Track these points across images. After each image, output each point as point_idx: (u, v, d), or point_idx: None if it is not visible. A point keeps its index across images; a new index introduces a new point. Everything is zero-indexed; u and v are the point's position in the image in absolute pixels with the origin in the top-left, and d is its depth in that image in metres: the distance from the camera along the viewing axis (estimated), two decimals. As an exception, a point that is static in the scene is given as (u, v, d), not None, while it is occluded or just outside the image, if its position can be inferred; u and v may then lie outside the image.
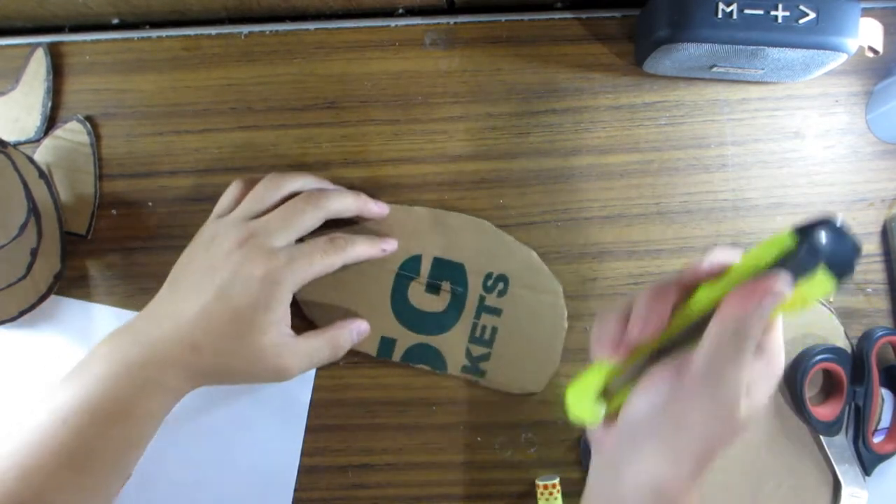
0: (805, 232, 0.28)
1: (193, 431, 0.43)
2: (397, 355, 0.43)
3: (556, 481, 0.41)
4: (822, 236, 0.28)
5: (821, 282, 0.28)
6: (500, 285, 0.43)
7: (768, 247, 0.29)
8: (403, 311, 0.43)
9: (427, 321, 0.43)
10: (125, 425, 0.36)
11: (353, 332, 0.41)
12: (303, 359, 0.38)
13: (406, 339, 0.43)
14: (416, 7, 0.45)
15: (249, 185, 0.40)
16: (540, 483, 0.41)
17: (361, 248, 0.40)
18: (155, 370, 0.36)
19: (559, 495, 0.41)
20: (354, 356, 0.43)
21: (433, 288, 0.43)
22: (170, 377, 0.36)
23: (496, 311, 0.43)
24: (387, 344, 0.43)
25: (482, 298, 0.43)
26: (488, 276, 0.43)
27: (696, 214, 0.43)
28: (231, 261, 0.36)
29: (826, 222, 0.28)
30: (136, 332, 0.37)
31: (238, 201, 0.40)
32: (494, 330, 0.43)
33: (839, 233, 0.28)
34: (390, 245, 0.42)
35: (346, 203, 0.40)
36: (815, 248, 0.28)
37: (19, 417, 0.36)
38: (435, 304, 0.43)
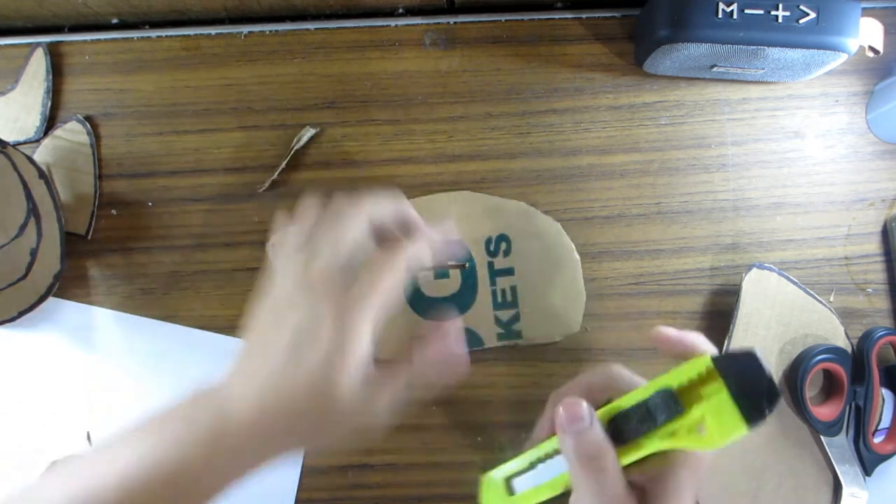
0: (721, 362, 0.27)
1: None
2: None
3: None
4: (736, 369, 0.26)
5: (730, 420, 0.26)
6: (503, 245, 0.43)
7: (684, 370, 0.27)
8: (422, 305, 0.43)
9: (448, 306, 0.42)
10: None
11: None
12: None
13: None
14: (416, 7, 0.45)
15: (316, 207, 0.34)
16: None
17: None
18: (248, 453, 0.30)
19: None
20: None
21: (441, 273, 0.43)
22: (260, 460, 0.31)
23: (509, 271, 0.43)
24: None
25: (491, 264, 0.43)
26: (488, 240, 0.43)
27: (696, 214, 0.43)
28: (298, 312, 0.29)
29: (746, 356, 0.26)
30: (226, 409, 0.30)
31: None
32: (514, 289, 0.42)
33: (757, 371, 0.26)
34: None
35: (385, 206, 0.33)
36: (728, 380, 0.26)
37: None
38: (449, 286, 0.43)
